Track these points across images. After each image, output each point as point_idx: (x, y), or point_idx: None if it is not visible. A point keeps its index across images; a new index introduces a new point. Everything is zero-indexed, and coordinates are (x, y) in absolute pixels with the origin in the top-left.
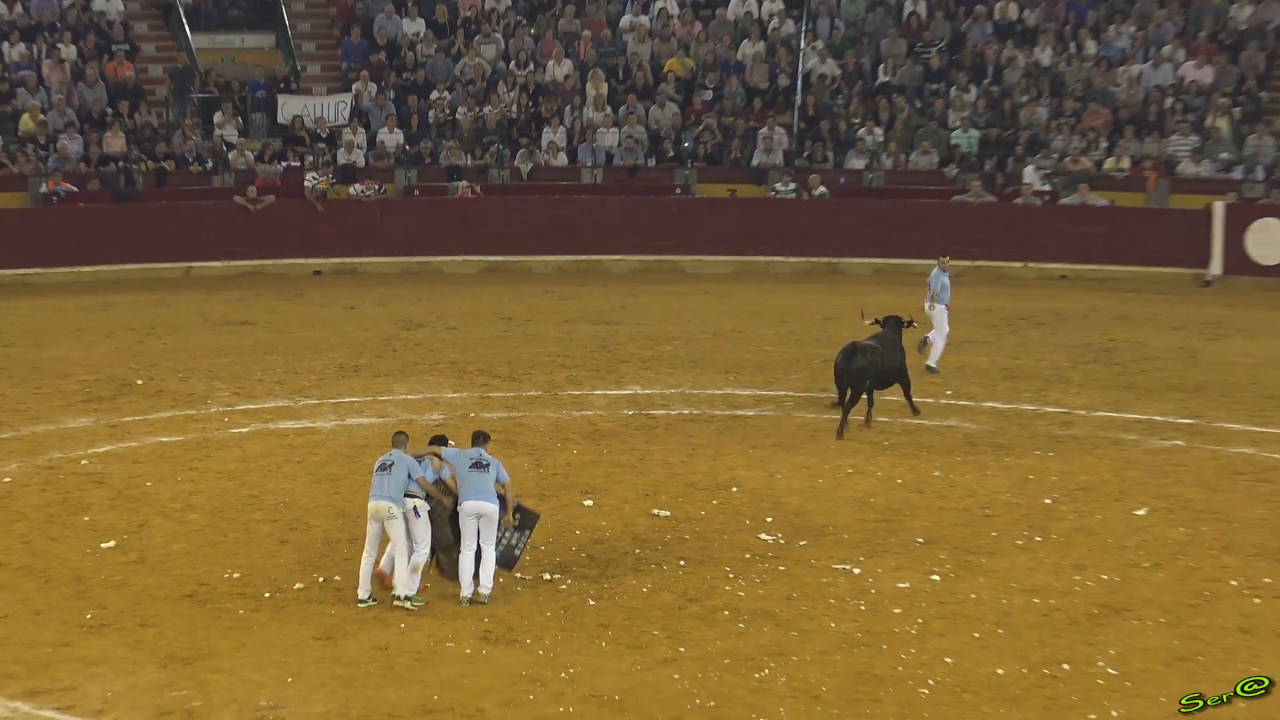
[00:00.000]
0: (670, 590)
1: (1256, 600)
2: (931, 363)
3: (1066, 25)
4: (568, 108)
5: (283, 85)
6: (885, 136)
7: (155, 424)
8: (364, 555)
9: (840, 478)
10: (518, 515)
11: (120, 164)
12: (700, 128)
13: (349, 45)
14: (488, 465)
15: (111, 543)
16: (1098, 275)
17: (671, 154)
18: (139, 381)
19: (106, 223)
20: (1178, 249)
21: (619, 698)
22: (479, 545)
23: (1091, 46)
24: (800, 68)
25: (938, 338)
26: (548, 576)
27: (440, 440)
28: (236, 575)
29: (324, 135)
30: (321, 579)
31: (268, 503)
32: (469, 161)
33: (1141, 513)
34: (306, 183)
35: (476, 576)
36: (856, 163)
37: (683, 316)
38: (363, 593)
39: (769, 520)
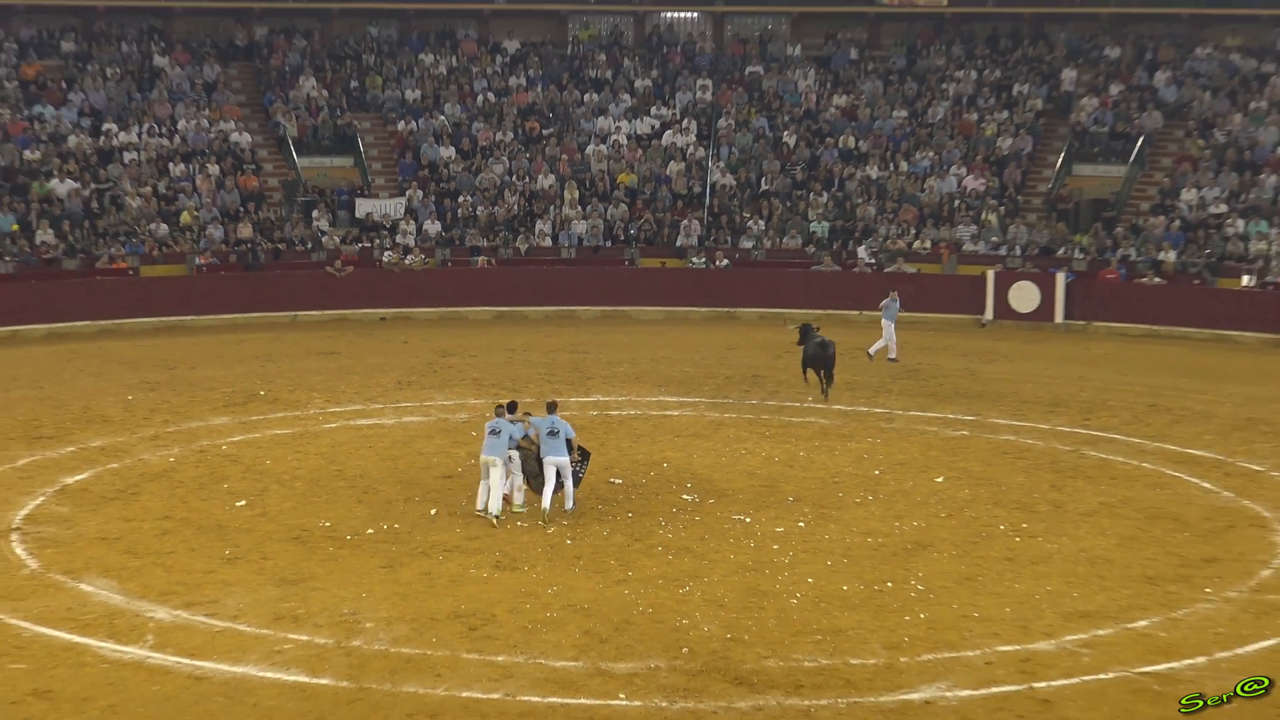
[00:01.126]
0: (622, 533)
1: (1017, 539)
2: (887, 352)
3: (887, 151)
4: (551, 207)
5: (359, 191)
6: (765, 226)
7: (272, 421)
8: (481, 484)
9: (737, 456)
10: (579, 452)
11: (249, 245)
12: (641, 220)
13: (404, 164)
14: (558, 432)
15: (242, 502)
16: (909, 319)
17: (622, 238)
18: (261, 392)
19: (239, 285)
20: (962, 302)
21: (587, 606)
22: (559, 481)
23: (904, 165)
24: (708, 179)
25: (883, 339)
26: (540, 524)
27: (513, 406)
28: (327, 524)
29: (387, 226)
30: (385, 527)
31: (348, 474)
32: (485, 243)
33: (940, 480)
34: (384, 259)
35: (558, 495)
36: (746, 244)
37: (630, 348)
38: (479, 505)
39: (689, 486)
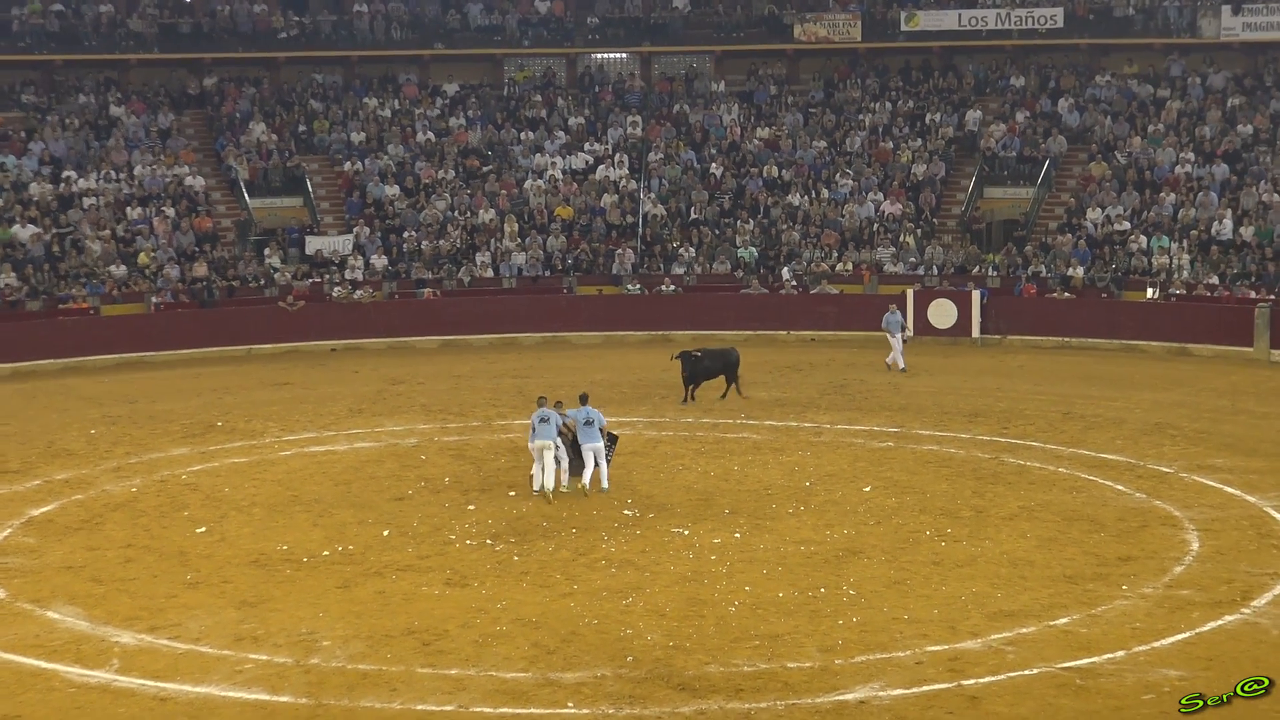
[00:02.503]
0: (567, 548)
1: (943, 544)
2: (896, 364)
3: (809, 179)
4: (492, 240)
5: (308, 229)
6: (696, 253)
7: (230, 450)
8: (535, 468)
9: (674, 472)
10: (608, 438)
11: (204, 283)
12: (578, 250)
13: (351, 203)
14: (593, 421)
15: (203, 529)
16: (835, 338)
17: (560, 267)
18: (219, 423)
19: (195, 322)
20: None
21: (535, 619)
22: (595, 462)
23: (825, 192)
24: (640, 210)
25: (896, 355)
26: (488, 542)
27: (543, 400)
28: (285, 548)
29: (336, 261)
30: (340, 549)
31: (304, 499)
32: (430, 275)
33: (868, 490)
34: (333, 293)
35: (595, 477)
36: (678, 270)
37: (570, 372)
38: (537, 485)
39: (629, 501)
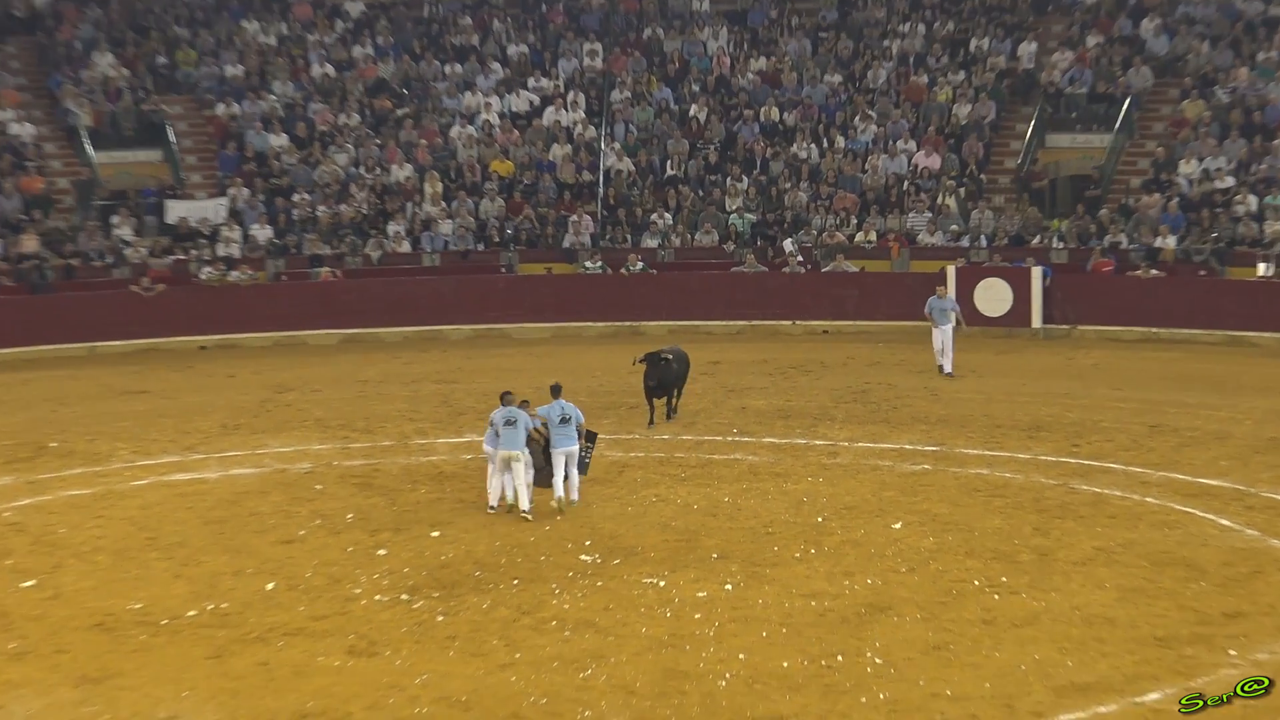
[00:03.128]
0: (506, 605)
1: (995, 596)
2: (947, 369)
3: (819, 124)
4: (409, 204)
5: (170, 192)
6: (674, 220)
7: (67, 480)
8: (494, 479)
9: (646, 505)
10: (585, 437)
11: (34, 261)
12: (520, 217)
13: (225, 157)
14: (570, 418)
15: (31, 582)
16: (854, 329)
17: (497, 239)
18: (53, 444)
19: (22, 311)
20: (919, 306)
21: (465, 699)
22: (566, 471)
23: (840, 141)
24: (601, 165)
25: (942, 355)
26: (404, 597)
27: (508, 397)
28: (138, 606)
29: (206, 233)
30: (211, 606)
31: (164, 543)
32: (328, 250)
33: (897, 526)
34: (202, 274)
35: (566, 487)
36: (651, 242)
37: (510, 375)
38: (495, 500)
39: (588, 543)
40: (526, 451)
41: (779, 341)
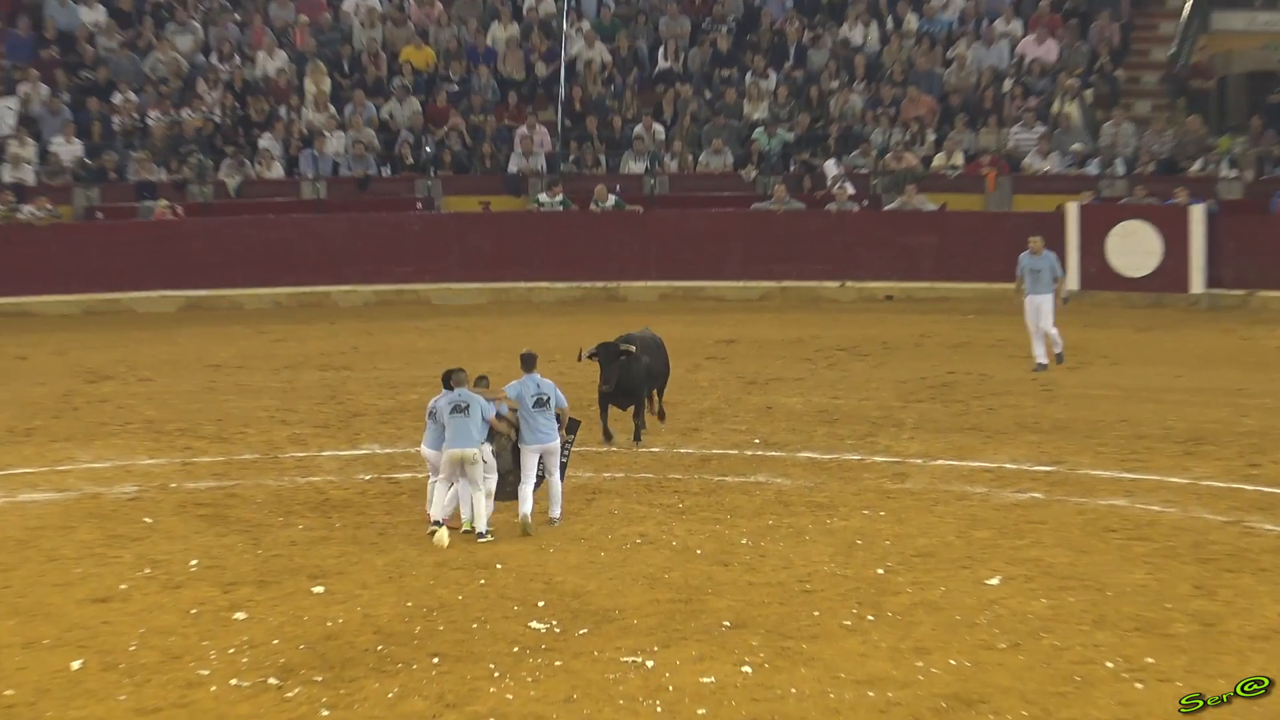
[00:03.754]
0: (422, 695)
1: (1138, 685)
2: (1048, 346)
3: None
4: (283, 109)
5: None
6: (669, 134)
7: None
8: (436, 485)
9: (626, 550)
10: (566, 426)
11: None
12: (445, 129)
13: (14, 39)
14: (548, 400)
15: None
16: (930, 295)
17: (410, 161)
18: None
19: None
20: None
21: None
22: (541, 474)
23: (912, 21)
24: (564, 54)
25: (1037, 329)
26: (273, 682)
27: (457, 376)
28: None
29: None
30: None
31: None
32: (164, 176)
33: (994, 582)
34: None
35: (539, 494)
36: (634, 166)
37: (429, 358)
38: (436, 517)
39: (541, 604)
40: (487, 448)
41: (820, 312)
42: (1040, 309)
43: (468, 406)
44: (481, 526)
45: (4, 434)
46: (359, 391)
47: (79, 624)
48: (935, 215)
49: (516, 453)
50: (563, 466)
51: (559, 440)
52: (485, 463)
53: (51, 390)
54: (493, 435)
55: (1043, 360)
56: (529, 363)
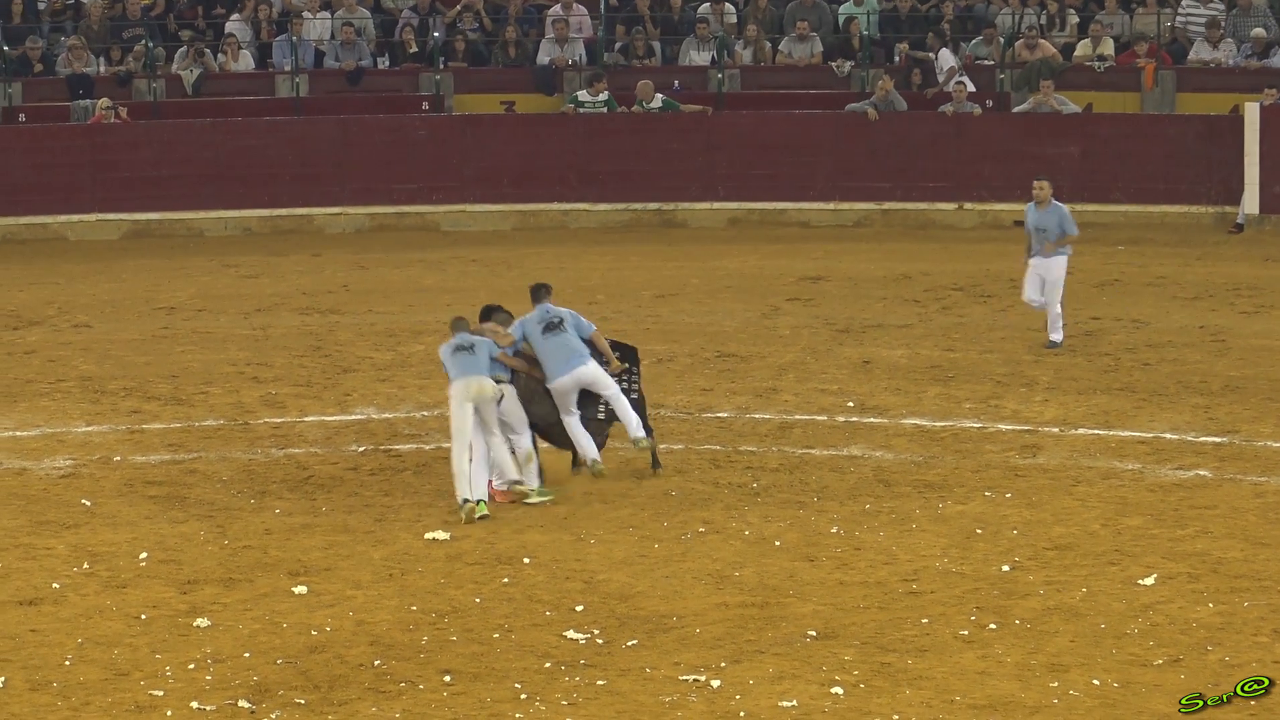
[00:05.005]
0: (440, 716)
1: None
2: (1055, 336)
3: None
4: None
5: None
6: (741, 14)
7: None
8: (455, 450)
9: (687, 541)
10: (618, 355)
11: None
12: (457, 8)
13: None
14: (560, 322)
15: None
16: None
17: (414, 50)
18: None
19: None
20: (1191, 176)
21: None
22: (599, 410)
23: None
24: None
25: (1035, 299)
26: (243, 705)
27: (460, 323)
28: None
29: None
30: None
31: None
32: (102, 68)
33: (1149, 581)
34: None
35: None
36: (698, 57)
37: (438, 299)
38: (467, 490)
39: (579, 609)
40: (504, 388)
41: (932, 241)
42: (1047, 276)
43: (473, 345)
44: (533, 480)
45: None
46: (350, 341)
47: (0, 632)
48: (1078, 119)
49: (548, 392)
50: (636, 404)
51: (596, 366)
52: (504, 403)
53: None
54: (515, 378)
55: (1056, 338)
56: (540, 293)
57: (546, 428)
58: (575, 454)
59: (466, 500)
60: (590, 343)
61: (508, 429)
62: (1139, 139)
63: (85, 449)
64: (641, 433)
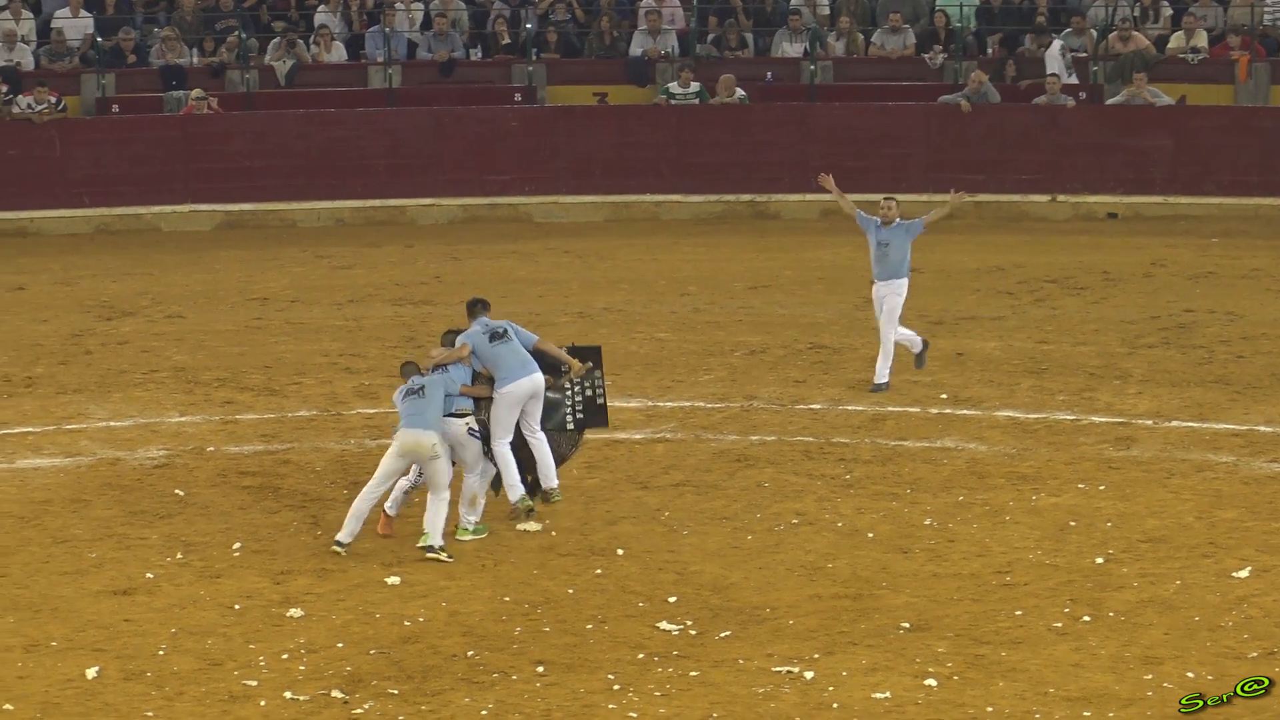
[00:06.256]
0: (523, 712)
1: None
2: (883, 377)
3: None
4: None
5: None
6: (834, 6)
7: None
8: (366, 490)
9: (780, 533)
10: (575, 357)
11: None
12: (551, 0)
13: None
14: (505, 331)
15: None
16: (1164, 212)
17: (506, 41)
18: None
19: None
20: None
21: None
22: (528, 433)
23: None
24: None
25: (888, 337)
26: (336, 695)
27: (409, 367)
28: None
29: None
30: None
31: None
32: (196, 59)
33: (1244, 574)
34: None
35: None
36: (790, 48)
37: (530, 289)
38: (345, 536)
39: (672, 600)
40: (456, 430)
41: (1026, 234)
42: (887, 301)
43: (422, 388)
44: (435, 540)
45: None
46: (442, 331)
47: (95, 622)
48: (1171, 111)
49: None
50: (602, 409)
51: (542, 379)
52: (446, 452)
53: (57, 329)
54: (479, 405)
55: (883, 379)
56: (477, 308)
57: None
58: (501, 484)
59: (340, 545)
60: (538, 353)
61: (467, 466)
62: (1233, 131)
63: (179, 439)
64: (555, 482)
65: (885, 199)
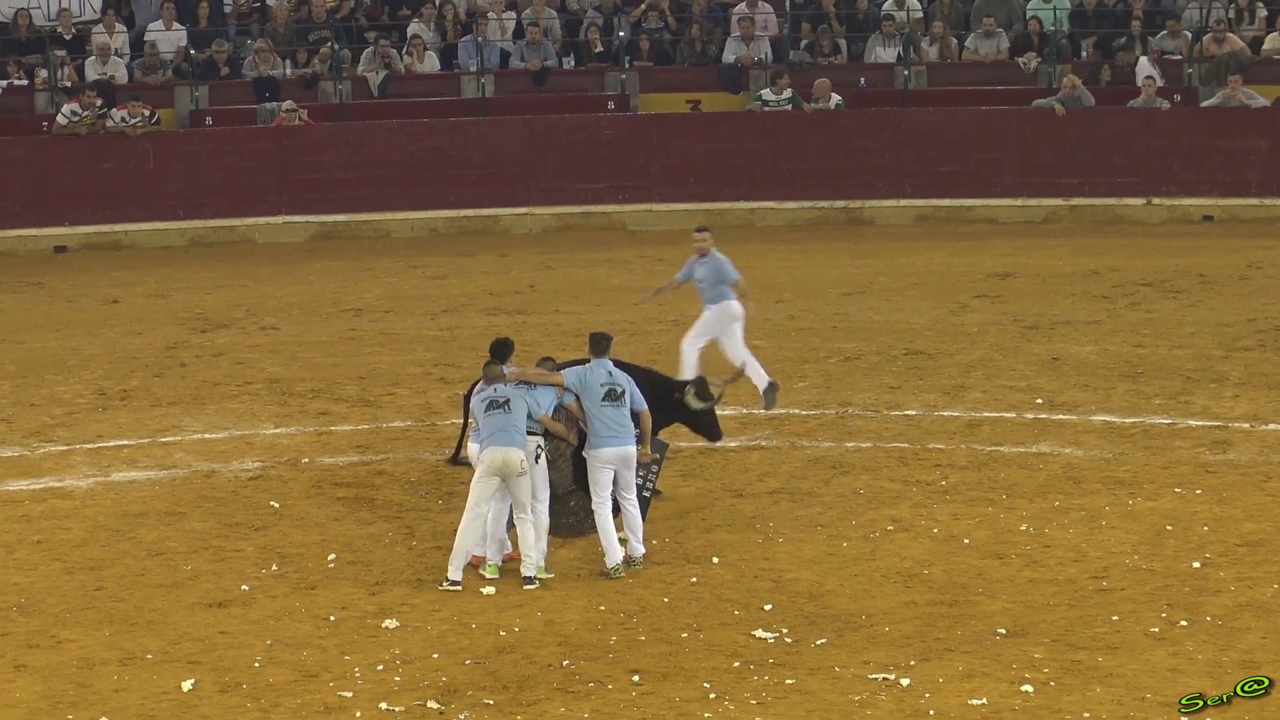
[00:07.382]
0: (627, 716)
1: None
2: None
3: None
4: None
5: None
6: (928, 11)
7: None
8: (466, 521)
9: (876, 539)
10: (652, 444)
11: None
12: (642, 8)
13: None
14: (621, 393)
15: None
16: (1259, 214)
17: (599, 50)
18: None
19: None
20: None
21: None
22: (616, 498)
23: None
24: None
25: (734, 357)
26: (432, 705)
27: (494, 364)
28: None
29: (67, 37)
30: None
31: None
32: (288, 71)
33: None
34: (61, 115)
35: (620, 528)
36: (884, 54)
37: (624, 298)
38: (455, 573)
39: (768, 608)
40: (538, 450)
41: (1121, 237)
42: (720, 329)
43: (507, 401)
44: (530, 570)
45: (94, 397)
46: (537, 342)
47: (190, 634)
48: (1266, 113)
49: (580, 466)
50: (645, 501)
51: (637, 449)
52: (531, 471)
53: (152, 342)
54: (549, 438)
55: (758, 381)
56: (600, 345)
57: (558, 500)
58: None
59: (453, 583)
60: (637, 417)
61: (535, 494)
62: None
63: (273, 451)
64: (641, 550)
65: (697, 231)
